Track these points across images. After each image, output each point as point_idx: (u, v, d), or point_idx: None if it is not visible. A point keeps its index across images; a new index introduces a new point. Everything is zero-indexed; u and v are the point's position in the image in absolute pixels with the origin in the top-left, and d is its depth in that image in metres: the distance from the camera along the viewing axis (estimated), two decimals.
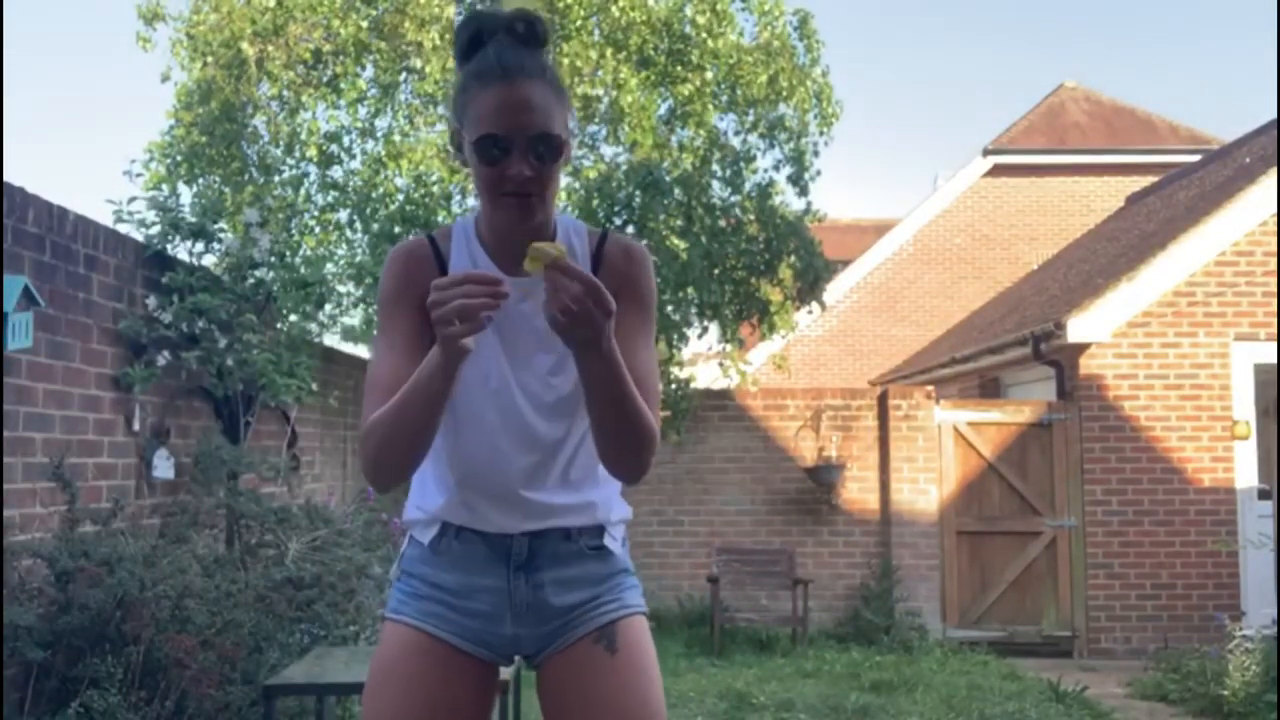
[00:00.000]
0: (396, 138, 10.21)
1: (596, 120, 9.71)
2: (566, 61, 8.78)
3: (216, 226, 5.73)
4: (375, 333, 1.74)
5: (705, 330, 9.77)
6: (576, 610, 1.76)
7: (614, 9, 9.00)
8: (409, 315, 1.68)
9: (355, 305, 9.52)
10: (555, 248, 1.48)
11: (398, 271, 1.72)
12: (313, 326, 6.67)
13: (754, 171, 9.59)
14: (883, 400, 9.09)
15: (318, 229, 10.60)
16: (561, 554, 1.76)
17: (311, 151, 10.06)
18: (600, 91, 9.18)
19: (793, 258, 9.23)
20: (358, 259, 9.65)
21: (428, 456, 1.71)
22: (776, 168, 9.74)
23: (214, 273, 5.63)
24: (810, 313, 11.10)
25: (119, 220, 5.32)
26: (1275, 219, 8.61)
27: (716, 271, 9.08)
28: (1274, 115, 11.38)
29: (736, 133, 9.87)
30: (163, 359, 5.11)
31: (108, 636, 3.84)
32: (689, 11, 9.40)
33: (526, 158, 1.60)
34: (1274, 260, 8.56)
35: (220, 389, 5.51)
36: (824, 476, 8.86)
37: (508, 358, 1.71)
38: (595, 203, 8.80)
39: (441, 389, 1.55)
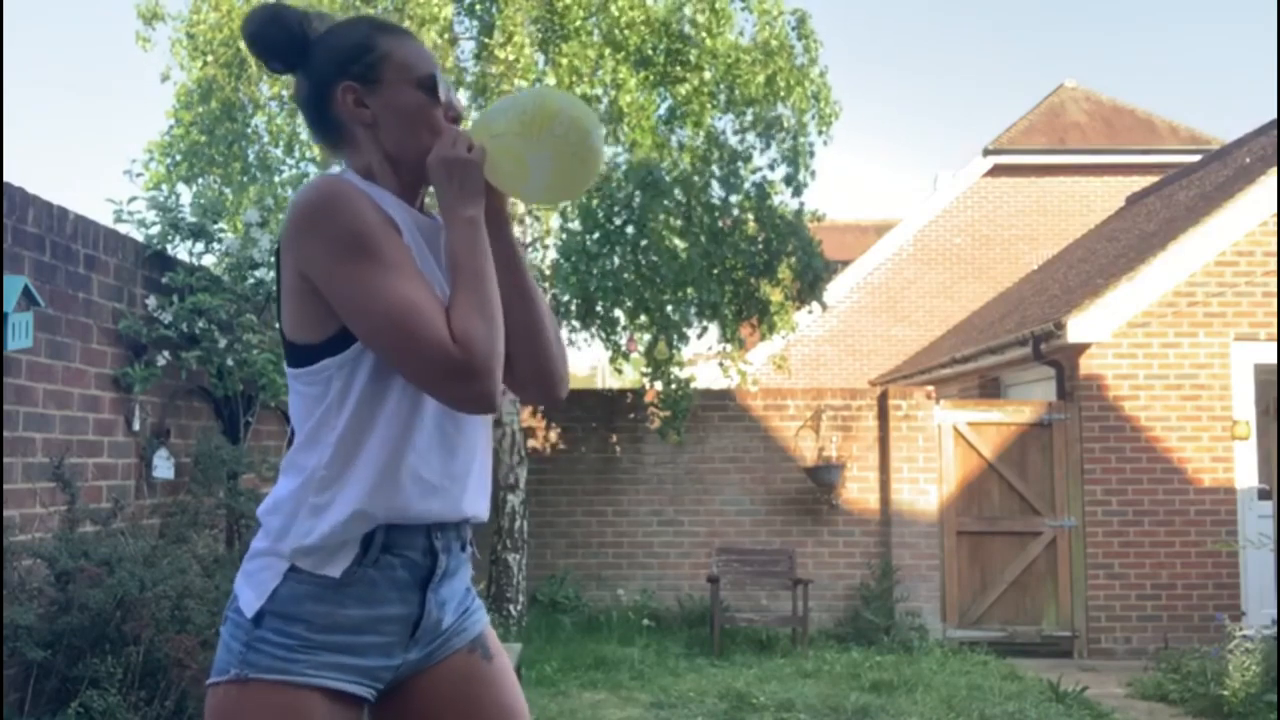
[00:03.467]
0: None
1: None
2: (565, 61, 8.78)
3: (216, 226, 5.73)
4: (359, 267, 1.51)
5: (705, 330, 9.76)
6: (455, 623, 1.69)
7: (613, 8, 8.98)
8: (400, 242, 1.57)
9: None
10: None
11: (368, 204, 1.56)
12: None
13: (752, 171, 9.58)
14: (883, 400, 9.10)
15: None
16: (454, 567, 1.67)
17: (314, 150, 10.05)
18: (599, 91, 9.17)
19: (792, 258, 9.22)
20: None
21: (346, 456, 1.55)
22: (772, 167, 9.74)
23: (214, 273, 5.63)
24: (810, 313, 11.10)
25: (119, 220, 5.32)
26: (1275, 219, 8.61)
27: (716, 271, 9.08)
28: (1274, 115, 11.39)
29: (735, 132, 9.86)
30: (163, 359, 5.11)
31: (108, 636, 3.84)
32: (688, 11, 9.39)
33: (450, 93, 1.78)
34: (1274, 260, 8.56)
35: (220, 389, 5.51)
36: (824, 476, 8.86)
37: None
38: (595, 203, 8.79)
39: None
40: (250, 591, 1.55)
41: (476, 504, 1.68)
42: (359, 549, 1.55)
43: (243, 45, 9.51)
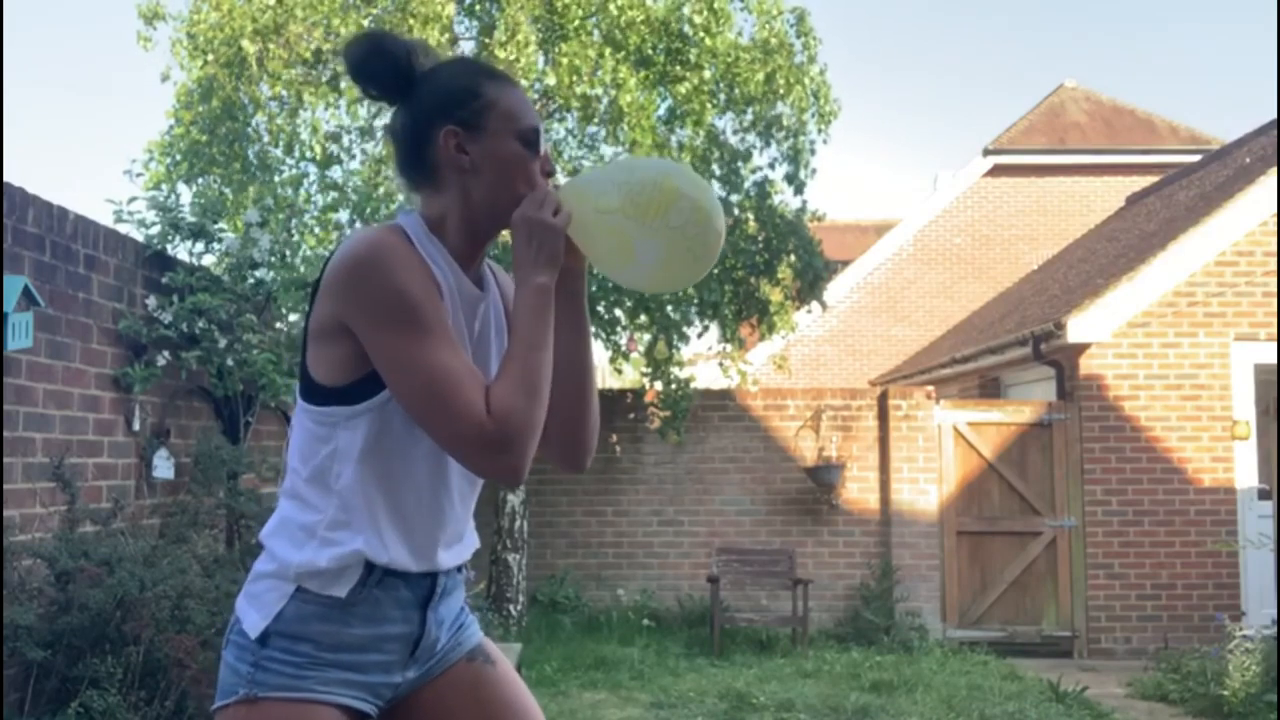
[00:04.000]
0: None
1: (595, 120, 9.69)
2: (565, 61, 8.78)
3: (216, 226, 5.73)
4: (401, 330, 1.50)
5: (705, 330, 9.76)
6: (449, 639, 1.73)
7: (612, 8, 8.98)
8: (442, 307, 1.56)
9: None
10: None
11: (414, 262, 1.55)
12: None
13: (752, 170, 9.58)
14: (883, 400, 9.09)
15: (318, 229, 10.59)
16: (453, 586, 1.72)
17: (316, 150, 10.05)
18: (599, 91, 9.16)
19: (792, 257, 9.22)
20: None
21: (353, 492, 1.57)
22: (772, 166, 9.73)
23: (214, 273, 5.63)
24: (810, 313, 11.09)
25: (119, 220, 5.32)
26: (1275, 219, 8.61)
27: (716, 271, 9.08)
28: (1274, 115, 11.39)
29: (735, 131, 9.86)
30: (163, 359, 5.11)
31: (108, 636, 3.84)
32: (687, 10, 9.39)
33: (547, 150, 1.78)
34: (1274, 260, 8.56)
35: (220, 389, 5.51)
36: (824, 476, 8.86)
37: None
38: None
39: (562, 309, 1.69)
40: (255, 613, 1.57)
41: (472, 546, 1.75)
42: (364, 570, 1.57)
43: (244, 44, 9.52)
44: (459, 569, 1.72)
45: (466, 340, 1.64)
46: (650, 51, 9.39)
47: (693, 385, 9.04)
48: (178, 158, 10.47)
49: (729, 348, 9.68)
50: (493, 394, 1.50)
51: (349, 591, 1.56)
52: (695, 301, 9.03)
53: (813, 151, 9.73)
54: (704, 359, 13.40)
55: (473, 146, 1.63)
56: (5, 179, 4.10)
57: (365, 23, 9.63)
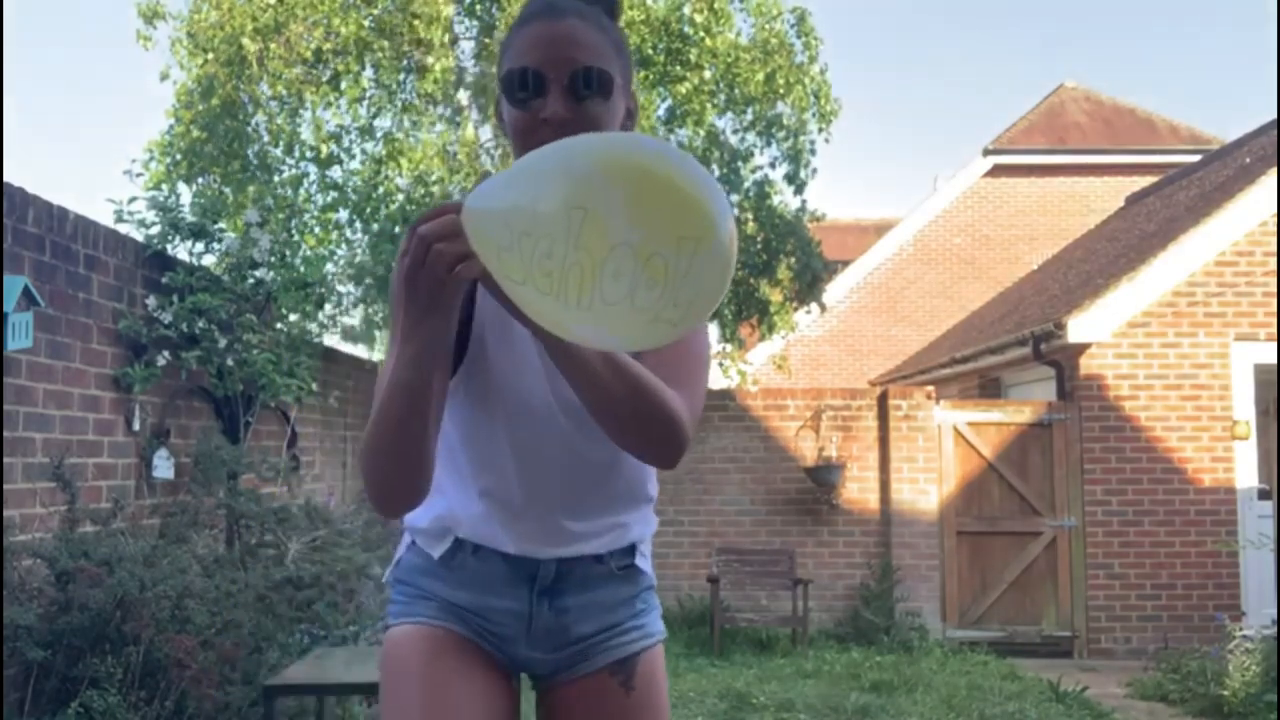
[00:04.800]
0: (401, 136, 10.20)
1: None
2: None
3: (216, 226, 5.73)
4: (389, 333, 1.46)
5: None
6: (598, 636, 1.60)
7: None
8: None
9: (355, 305, 9.52)
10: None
11: None
12: (313, 326, 6.67)
13: (752, 170, 9.58)
14: (883, 400, 9.09)
15: (318, 229, 10.60)
16: (590, 577, 1.58)
17: (320, 149, 10.06)
18: None
19: (792, 258, 9.22)
20: (358, 259, 9.66)
21: (442, 462, 1.50)
22: (773, 165, 9.74)
23: (214, 273, 5.63)
24: (809, 313, 11.09)
25: (119, 220, 5.33)
26: (1275, 219, 8.61)
27: None
28: (1274, 115, 11.39)
29: (735, 131, 9.87)
30: (163, 359, 5.11)
31: (108, 636, 3.84)
32: (687, 10, 9.40)
33: (566, 97, 1.38)
34: (1274, 260, 8.56)
35: (220, 389, 5.51)
36: (824, 476, 8.85)
37: (548, 371, 1.49)
38: None
39: (419, 380, 1.28)
40: (393, 561, 1.70)
41: (581, 544, 1.57)
42: (452, 540, 1.56)
43: (244, 43, 9.52)
44: (598, 559, 1.58)
45: (499, 324, 1.52)
46: (650, 51, 9.39)
47: None
48: (178, 157, 10.48)
49: (729, 348, 9.68)
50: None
51: (441, 555, 1.57)
52: None
53: (813, 151, 9.75)
54: None
55: (501, 102, 1.48)
56: (5, 179, 4.10)
57: (365, 22, 9.63)
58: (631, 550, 1.62)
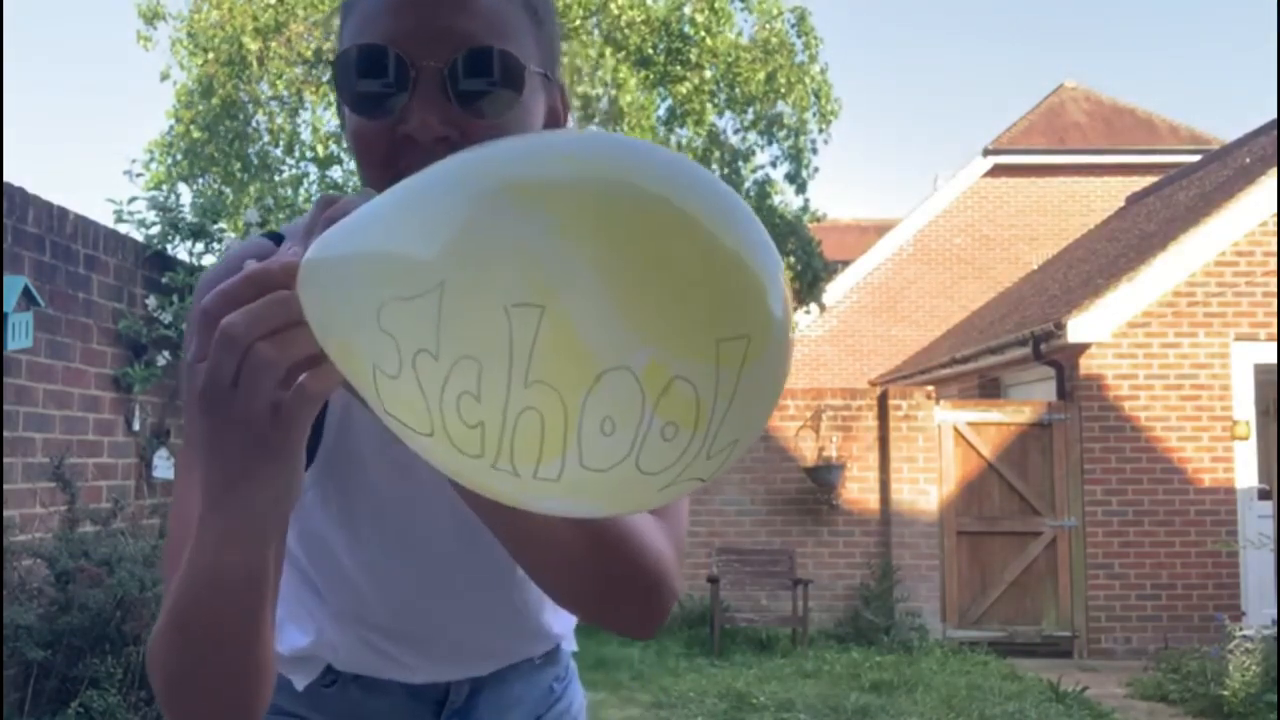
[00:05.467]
0: None
1: (596, 120, 9.70)
2: (566, 60, 8.79)
3: (216, 226, 5.73)
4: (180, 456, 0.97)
5: None
6: None
7: (613, 8, 8.99)
8: None
9: None
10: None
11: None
12: None
13: (753, 170, 9.59)
14: (883, 400, 9.09)
15: None
16: (507, 679, 1.19)
17: (319, 149, 10.06)
18: (599, 91, 9.16)
19: (792, 258, 9.23)
20: None
21: (290, 569, 1.05)
22: (774, 164, 9.74)
23: None
24: (809, 313, 11.10)
25: (119, 220, 5.33)
26: (1275, 219, 8.61)
27: None
28: (1274, 115, 11.39)
29: (735, 131, 9.87)
30: (163, 359, 5.11)
31: (108, 636, 3.84)
32: (687, 10, 9.40)
33: (443, 98, 0.82)
34: (1274, 260, 8.56)
35: None
36: (824, 476, 8.86)
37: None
38: None
39: (246, 566, 0.76)
40: None
41: (495, 661, 1.17)
42: (323, 668, 1.12)
43: (244, 42, 9.53)
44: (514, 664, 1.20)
45: None
46: (650, 51, 9.39)
47: None
48: (178, 157, 10.48)
49: None
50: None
51: (305, 687, 1.15)
52: None
53: (814, 150, 9.76)
54: None
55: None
56: (5, 179, 4.10)
57: None
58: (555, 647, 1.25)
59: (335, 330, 0.65)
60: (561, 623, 1.22)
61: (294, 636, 1.11)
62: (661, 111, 9.78)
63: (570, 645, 1.28)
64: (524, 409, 0.61)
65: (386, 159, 0.84)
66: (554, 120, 0.95)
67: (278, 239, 1.00)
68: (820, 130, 9.96)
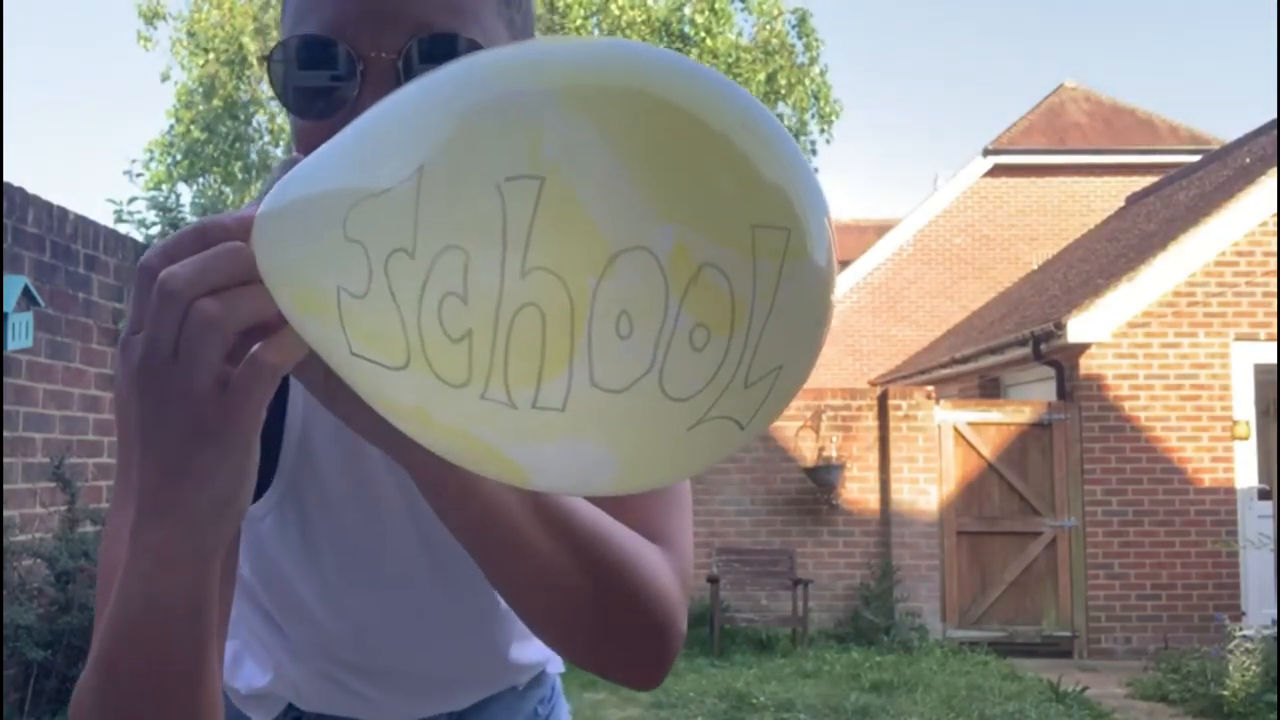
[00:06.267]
0: None
1: None
2: None
3: None
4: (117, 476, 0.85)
5: None
6: None
7: (613, 8, 9.00)
8: None
9: None
10: None
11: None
12: None
13: None
14: (883, 400, 9.09)
15: None
16: (486, 708, 1.09)
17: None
18: None
19: None
20: None
21: (241, 598, 0.97)
22: None
23: None
24: None
25: (119, 220, 5.34)
26: (1275, 219, 8.61)
27: None
28: (1274, 115, 11.39)
29: None
30: None
31: None
32: (688, 11, 9.41)
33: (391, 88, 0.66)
34: (1274, 260, 8.56)
35: None
36: (824, 476, 8.86)
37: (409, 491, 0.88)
38: None
39: (187, 590, 0.64)
40: None
41: (472, 693, 1.07)
42: (284, 706, 1.04)
43: (245, 42, 9.53)
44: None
45: None
46: None
47: None
48: (178, 157, 10.49)
49: None
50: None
51: None
52: None
53: (814, 151, 9.75)
54: None
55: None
56: (5, 179, 4.10)
57: None
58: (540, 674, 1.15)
59: (293, 274, 0.54)
60: (544, 649, 1.09)
61: (251, 673, 1.02)
62: None
63: (557, 667, 1.17)
64: (522, 305, 0.51)
65: None
66: None
67: None
68: (821, 131, 9.97)
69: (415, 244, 0.51)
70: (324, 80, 0.74)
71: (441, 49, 0.73)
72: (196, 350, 0.56)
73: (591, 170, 0.51)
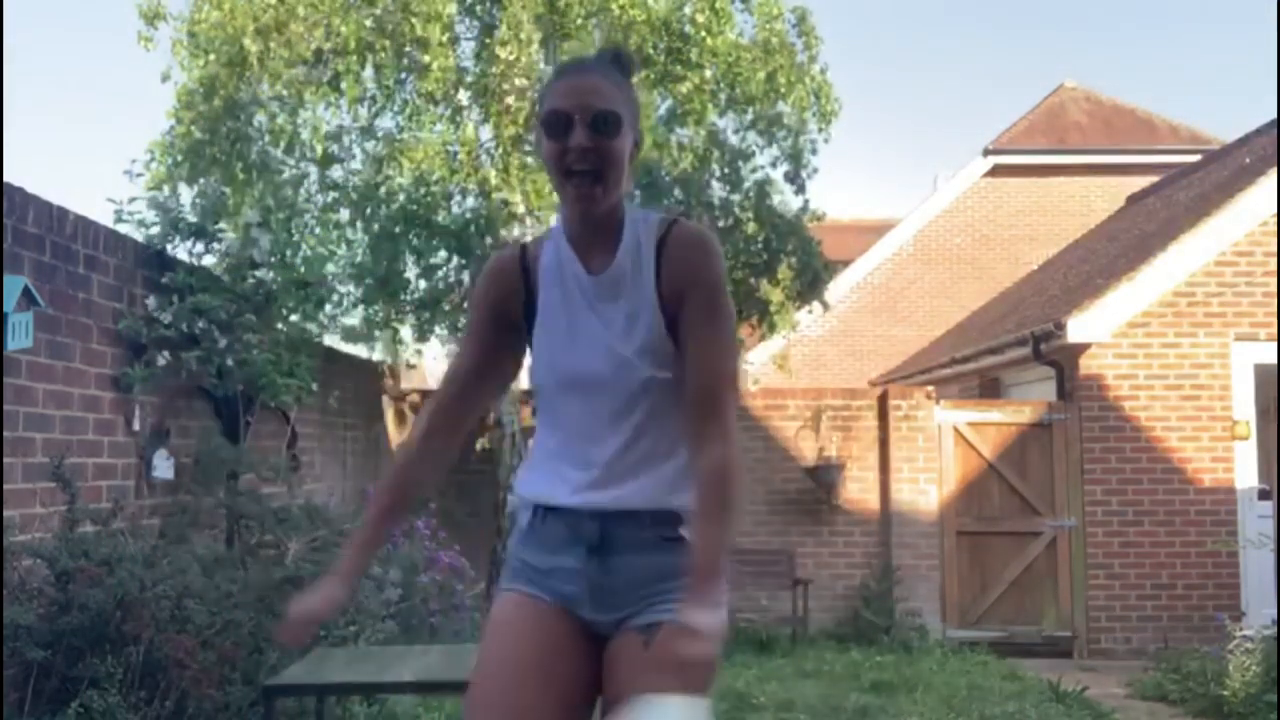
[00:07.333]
0: (404, 135, 10.18)
1: None
2: (565, 60, 8.79)
3: (216, 226, 5.73)
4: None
5: None
6: (638, 602, 1.80)
7: (614, 8, 8.99)
8: (484, 315, 1.94)
9: (355, 305, 9.52)
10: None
11: (484, 274, 1.96)
12: (313, 326, 6.67)
13: (753, 170, 9.58)
14: (883, 400, 9.09)
15: (318, 229, 10.58)
16: (635, 543, 1.82)
17: (318, 149, 10.04)
18: None
19: (792, 258, 9.22)
20: (358, 259, 9.65)
21: (538, 433, 1.94)
22: (774, 164, 9.74)
23: (214, 273, 5.63)
24: (810, 312, 11.09)
25: (119, 220, 5.33)
26: (1275, 219, 8.61)
27: None
28: (1274, 115, 11.38)
29: (735, 131, 9.86)
30: (163, 359, 5.11)
31: (108, 636, 3.84)
32: (688, 10, 9.39)
33: (587, 132, 1.76)
34: (1274, 260, 8.55)
35: (220, 389, 5.51)
36: (824, 476, 8.85)
37: (607, 345, 1.83)
38: None
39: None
40: None
41: (631, 498, 1.82)
42: (534, 508, 1.89)
43: (245, 43, 9.51)
44: (639, 525, 1.81)
45: (583, 313, 1.85)
46: (651, 51, 9.39)
47: None
48: (178, 158, 10.46)
49: None
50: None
51: (527, 523, 1.91)
52: None
53: (814, 151, 9.75)
54: None
55: (538, 137, 1.85)
56: (5, 179, 4.10)
57: (366, 22, 9.63)
58: (674, 519, 1.81)
59: None
60: (676, 481, 1.82)
61: (527, 480, 1.92)
62: (662, 111, 9.77)
63: (685, 531, 1.80)
64: None
65: (560, 158, 1.77)
66: (636, 145, 1.86)
67: (524, 249, 1.94)
68: (820, 130, 9.95)
69: None
70: (560, 128, 1.79)
71: (606, 117, 1.78)
72: None
73: None
